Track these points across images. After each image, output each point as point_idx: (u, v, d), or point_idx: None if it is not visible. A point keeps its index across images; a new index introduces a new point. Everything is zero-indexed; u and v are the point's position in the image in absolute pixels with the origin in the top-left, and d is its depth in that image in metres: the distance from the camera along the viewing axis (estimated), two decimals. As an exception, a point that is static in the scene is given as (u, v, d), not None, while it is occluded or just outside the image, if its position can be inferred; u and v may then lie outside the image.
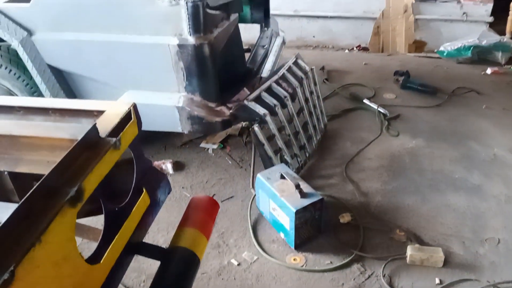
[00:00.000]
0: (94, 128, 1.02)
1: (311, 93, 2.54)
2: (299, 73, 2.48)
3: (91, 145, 1.00)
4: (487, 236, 1.95)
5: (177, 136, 2.63)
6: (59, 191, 0.87)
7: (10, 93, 2.21)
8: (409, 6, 3.94)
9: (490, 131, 2.74)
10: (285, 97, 2.24)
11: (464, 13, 3.96)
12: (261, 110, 2.09)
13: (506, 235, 1.96)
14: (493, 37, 3.73)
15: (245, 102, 2.08)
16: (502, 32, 3.92)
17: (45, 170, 0.99)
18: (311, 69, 2.60)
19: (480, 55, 3.76)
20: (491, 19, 3.96)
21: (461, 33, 3.95)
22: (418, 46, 4.10)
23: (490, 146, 2.60)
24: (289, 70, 2.44)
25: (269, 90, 2.23)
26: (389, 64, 3.77)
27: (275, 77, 2.31)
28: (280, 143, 2.21)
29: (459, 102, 3.13)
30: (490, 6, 3.92)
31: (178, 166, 2.41)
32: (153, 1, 1.79)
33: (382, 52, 4.10)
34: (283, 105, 2.22)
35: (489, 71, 3.59)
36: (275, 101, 2.17)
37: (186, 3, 1.76)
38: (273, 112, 2.15)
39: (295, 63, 2.53)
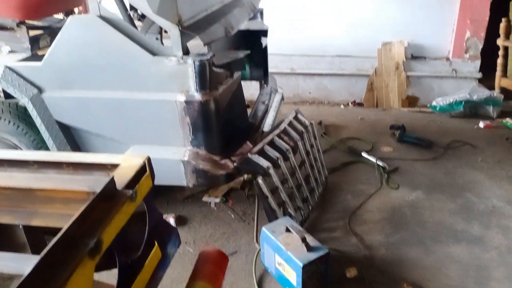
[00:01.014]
0: (112, 181, 1.04)
1: (312, 146, 2.60)
2: (300, 127, 2.55)
3: (108, 197, 1.02)
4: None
5: (179, 190, 2.63)
6: (79, 242, 0.87)
7: (16, 148, 2.23)
8: (400, 63, 4.13)
9: (487, 183, 2.78)
10: (287, 150, 2.28)
11: (453, 69, 4.15)
12: (264, 163, 2.12)
13: (509, 285, 1.94)
14: (483, 92, 3.88)
15: (249, 155, 2.12)
16: (491, 87, 4.08)
17: (59, 223, 1.00)
18: (311, 124, 2.67)
19: (472, 110, 3.89)
20: (479, 75, 4.15)
21: (452, 89, 4.11)
22: (411, 101, 4.24)
23: (488, 198, 2.63)
24: (290, 124, 2.51)
25: (271, 144, 2.28)
26: (384, 118, 3.88)
27: (277, 131, 2.37)
28: (283, 195, 2.22)
29: (454, 155, 3.19)
30: (478, 63, 4.12)
31: (181, 221, 2.39)
32: (161, 60, 1.87)
33: (377, 107, 4.23)
34: (286, 158, 2.26)
35: (481, 124, 3.69)
36: (277, 154, 2.21)
37: (194, 62, 1.84)
38: (276, 165, 2.18)
39: (296, 117, 2.61)
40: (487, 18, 3.97)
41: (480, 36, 4.05)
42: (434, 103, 3.99)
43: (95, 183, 1.04)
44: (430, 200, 2.62)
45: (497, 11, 3.93)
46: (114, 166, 1.18)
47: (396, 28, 4.13)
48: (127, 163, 1.17)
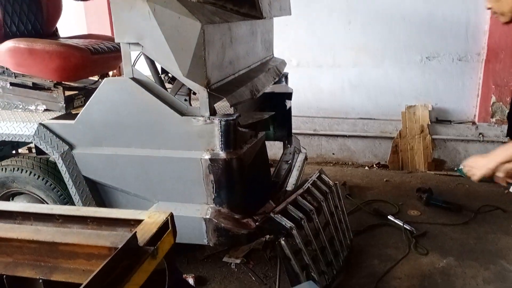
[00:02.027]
0: (134, 237, 1.04)
1: (336, 207, 2.55)
2: (323, 187, 2.52)
3: (129, 254, 1.01)
4: None
5: (199, 249, 2.59)
6: (99, 300, 0.86)
7: (43, 203, 2.28)
8: (425, 127, 4.12)
9: (524, 252, 2.63)
10: (311, 210, 2.24)
11: (480, 133, 4.10)
12: (287, 223, 2.09)
13: None
14: (511, 156, 3.79)
15: (271, 214, 2.09)
16: (520, 152, 3.99)
17: (80, 279, 1.00)
18: (335, 184, 2.64)
19: (501, 174, 3.78)
20: (507, 139, 4.07)
21: (478, 152, 3.99)
22: (437, 164, 4.17)
23: (526, 267, 2.48)
24: (314, 184, 2.48)
25: (294, 204, 2.25)
26: (410, 181, 3.81)
27: (300, 191, 2.35)
28: (306, 258, 2.15)
29: (485, 220, 3.07)
30: (505, 127, 4.06)
31: (200, 281, 2.33)
32: (189, 120, 1.93)
33: (402, 169, 4.17)
34: (309, 219, 2.22)
35: (512, 189, 3.57)
36: (301, 215, 2.18)
37: (220, 121, 1.89)
38: (299, 226, 2.14)
39: (319, 177, 2.59)
40: (512, 83, 3.98)
41: (505, 101, 4.03)
42: (461, 167, 3.89)
43: (118, 239, 1.04)
44: (462, 267, 2.49)
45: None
46: (138, 222, 1.18)
47: (419, 92, 4.17)
48: (150, 220, 1.17)
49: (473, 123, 4.13)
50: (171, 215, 1.20)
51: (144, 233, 1.10)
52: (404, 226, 2.89)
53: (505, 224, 2.99)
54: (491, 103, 4.06)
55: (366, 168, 4.22)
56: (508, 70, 3.92)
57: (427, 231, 2.89)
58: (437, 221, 3.05)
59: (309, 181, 2.48)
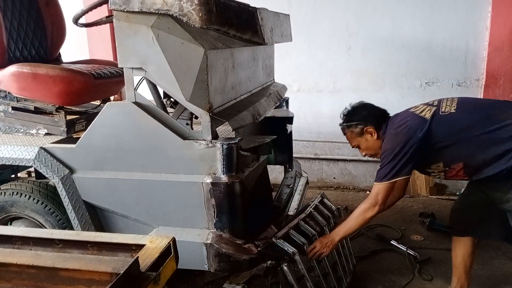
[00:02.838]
0: (136, 262, 1.02)
1: (338, 232, 2.51)
2: (326, 212, 2.50)
3: (131, 279, 0.99)
4: None
5: (199, 275, 2.54)
6: (98, 328, 0.83)
7: (41, 227, 2.25)
8: (425, 150, 4.12)
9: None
10: (314, 235, 2.21)
11: (480, 157, 4.10)
12: (290, 248, 2.05)
13: None
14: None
15: (274, 239, 2.06)
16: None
17: (79, 306, 0.96)
18: (337, 208, 2.62)
19: (503, 198, 3.76)
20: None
21: (480, 176, 4.02)
22: (439, 189, 4.14)
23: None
24: (316, 208, 2.46)
25: (297, 228, 2.22)
26: (412, 205, 3.78)
27: (302, 215, 2.32)
28: (309, 284, 2.11)
29: (489, 245, 3.02)
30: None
31: (202, 309, 2.28)
32: (191, 143, 1.93)
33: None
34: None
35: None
36: (303, 240, 2.15)
37: (222, 145, 1.89)
38: (302, 251, 2.11)
39: (321, 201, 2.57)
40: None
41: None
42: (463, 191, 3.88)
43: (119, 264, 1.02)
44: (468, 294, 2.43)
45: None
46: (139, 247, 1.16)
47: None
48: (152, 244, 1.15)
49: (474, 147, 4.13)
50: (174, 240, 1.18)
51: (146, 258, 1.08)
52: (408, 251, 2.85)
53: (510, 249, 2.95)
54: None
55: (368, 192, 4.19)
56: (507, 95, 3.95)
57: (431, 256, 2.85)
58: (440, 246, 3.01)
59: (311, 205, 2.46)
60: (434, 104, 2.16)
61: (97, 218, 2.14)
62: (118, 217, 2.13)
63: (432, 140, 2.05)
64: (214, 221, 1.96)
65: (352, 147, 2.42)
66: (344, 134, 2.39)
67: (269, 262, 2.61)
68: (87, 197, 2.08)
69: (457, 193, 3.96)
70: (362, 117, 2.28)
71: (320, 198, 2.59)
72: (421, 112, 2.13)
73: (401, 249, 2.90)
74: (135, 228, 2.08)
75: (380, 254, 2.90)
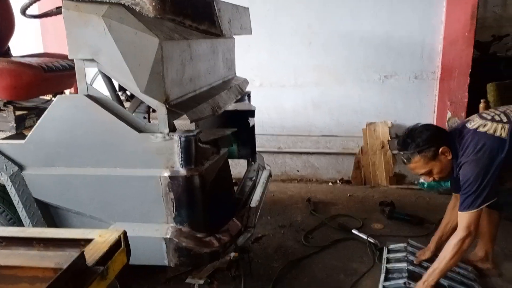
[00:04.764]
0: (81, 256, 0.98)
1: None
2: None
3: (77, 275, 0.95)
4: None
5: (161, 271, 2.50)
6: (38, 325, 0.79)
7: (-9, 229, 2.14)
8: (386, 143, 4.22)
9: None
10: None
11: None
12: None
13: None
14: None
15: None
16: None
17: (22, 305, 0.92)
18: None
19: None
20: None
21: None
22: (398, 178, 4.26)
23: (485, 277, 2.53)
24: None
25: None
26: (373, 195, 3.87)
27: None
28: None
29: (446, 232, 3.13)
30: (461, 141, 4.22)
31: (162, 305, 2.24)
32: (147, 137, 1.88)
33: (365, 184, 4.24)
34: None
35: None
36: None
37: (179, 137, 1.85)
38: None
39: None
40: (466, 100, 4.15)
41: (460, 116, 4.20)
42: (421, 180, 4.00)
43: (64, 259, 0.98)
44: (425, 279, 2.50)
45: (476, 93, 4.11)
46: (88, 242, 1.12)
47: (379, 110, 4.29)
48: (101, 239, 1.11)
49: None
50: (124, 233, 1.14)
51: (94, 253, 1.04)
52: (368, 239, 2.91)
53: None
54: (447, 118, 4.22)
55: (330, 184, 4.26)
56: (461, 87, 4.10)
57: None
58: (400, 233, 3.09)
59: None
60: (504, 121, 2.09)
61: (51, 216, 2.05)
62: (73, 215, 2.05)
63: None
64: (173, 216, 1.92)
65: (420, 174, 2.22)
66: (408, 162, 2.16)
67: (232, 255, 2.60)
68: (39, 195, 1.99)
69: (415, 182, 4.09)
70: (432, 139, 2.11)
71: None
72: (495, 131, 2.05)
73: (362, 237, 2.96)
74: (91, 225, 2.00)
75: (342, 243, 2.94)
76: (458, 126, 2.27)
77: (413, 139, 2.11)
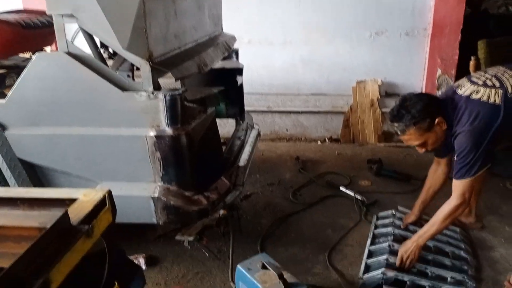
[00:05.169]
0: (65, 215, 0.97)
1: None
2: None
3: (61, 234, 0.95)
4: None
5: (150, 229, 2.53)
6: (24, 283, 0.80)
7: (-23, 190, 2.12)
8: (375, 101, 4.21)
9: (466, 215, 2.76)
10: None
11: (425, 105, 4.25)
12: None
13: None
14: (455, 127, 3.96)
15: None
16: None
17: (8, 263, 0.92)
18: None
19: (446, 143, 3.95)
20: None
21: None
22: (387, 136, 4.28)
23: (468, 229, 2.61)
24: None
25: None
26: (361, 153, 3.90)
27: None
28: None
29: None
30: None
31: (152, 261, 2.28)
32: (131, 95, 1.84)
33: (353, 142, 4.26)
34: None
35: (456, 158, 3.73)
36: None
37: (165, 96, 1.82)
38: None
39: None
40: (457, 57, 4.11)
41: (450, 74, 4.18)
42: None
43: (48, 218, 0.97)
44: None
45: (466, 50, 4.07)
46: (73, 201, 1.11)
47: (369, 68, 4.24)
48: (86, 198, 1.10)
49: (420, 95, 4.27)
50: (109, 192, 1.13)
51: (78, 212, 1.04)
52: (356, 196, 2.96)
53: (450, 191, 3.12)
54: (437, 76, 4.19)
55: (319, 142, 4.27)
56: (452, 44, 4.05)
57: (377, 200, 2.97)
58: (387, 190, 3.15)
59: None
60: (497, 86, 2.01)
61: (37, 176, 2.04)
62: (60, 175, 2.04)
63: (508, 126, 1.97)
64: (161, 175, 1.93)
65: (415, 145, 2.13)
66: (403, 134, 2.06)
67: (221, 212, 2.64)
68: (23, 155, 1.96)
69: (404, 140, 4.12)
70: (427, 110, 2.01)
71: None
72: (488, 98, 1.98)
73: (350, 194, 3.01)
74: (79, 185, 2.00)
75: (329, 200, 2.99)
76: (448, 92, 2.20)
77: (408, 110, 2.00)
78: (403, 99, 2.08)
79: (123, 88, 1.85)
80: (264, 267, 1.83)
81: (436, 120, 2.01)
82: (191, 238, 2.45)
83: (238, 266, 1.89)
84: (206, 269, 2.23)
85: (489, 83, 2.05)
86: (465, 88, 2.08)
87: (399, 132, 2.07)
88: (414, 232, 2.39)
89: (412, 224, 2.48)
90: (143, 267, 2.21)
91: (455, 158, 2.04)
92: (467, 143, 1.96)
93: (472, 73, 2.18)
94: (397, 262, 2.10)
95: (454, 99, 2.07)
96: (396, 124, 2.06)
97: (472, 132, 1.96)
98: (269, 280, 1.77)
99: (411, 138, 2.07)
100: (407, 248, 2.09)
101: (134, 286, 1.17)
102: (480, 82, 2.07)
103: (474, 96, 2.02)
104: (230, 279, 2.10)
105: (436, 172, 2.47)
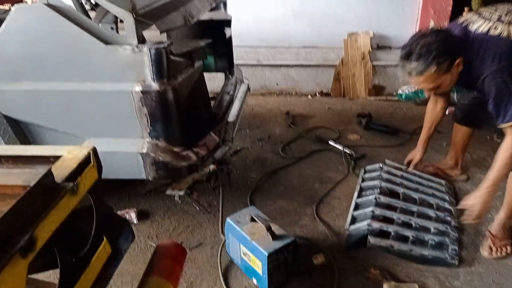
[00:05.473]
0: (49, 173, 0.97)
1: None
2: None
3: (46, 191, 0.94)
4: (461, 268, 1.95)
5: (141, 183, 2.55)
6: (8, 240, 0.80)
7: (-37, 147, 2.10)
8: (366, 53, 4.14)
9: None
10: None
11: (417, 58, 4.20)
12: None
13: (481, 268, 1.97)
14: (446, 79, 3.95)
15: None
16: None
17: (-8, 222, 0.92)
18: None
19: (436, 96, 3.95)
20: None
21: (416, 77, 4.16)
22: (377, 90, 4.27)
23: (453, 181, 2.67)
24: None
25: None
26: (351, 107, 3.89)
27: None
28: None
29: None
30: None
31: (143, 215, 2.32)
32: (115, 49, 1.79)
33: (344, 96, 4.24)
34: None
35: (446, 111, 3.75)
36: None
37: (149, 49, 1.76)
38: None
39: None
40: (450, 8, 4.01)
41: (443, 25, 4.10)
42: (399, 91, 4.03)
43: (31, 176, 0.96)
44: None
45: (459, 1, 3.98)
46: (57, 158, 1.10)
47: (361, 20, 4.15)
48: (70, 155, 1.09)
49: (412, 48, 4.21)
50: (94, 149, 1.12)
51: (63, 169, 1.03)
52: (344, 150, 2.99)
53: (438, 144, 3.16)
54: (430, 28, 4.11)
55: (309, 97, 4.25)
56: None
57: (366, 153, 3.01)
58: (375, 143, 3.18)
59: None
60: (502, 20, 1.86)
61: (22, 133, 2.01)
62: (46, 131, 2.01)
63: None
64: (149, 130, 1.91)
65: (427, 89, 1.97)
66: (420, 75, 1.86)
67: (211, 167, 2.66)
68: (7, 111, 1.92)
69: (394, 93, 4.11)
70: (449, 49, 1.82)
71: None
72: (508, 34, 1.81)
73: (338, 148, 3.03)
74: (66, 141, 1.98)
75: (318, 154, 3.01)
76: (456, 29, 1.95)
77: (429, 48, 1.79)
78: (422, 35, 1.85)
79: (106, 41, 1.79)
80: (252, 220, 1.87)
81: (457, 61, 1.83)
82: (181, 193, 2.49)
83: (228, 219, 1.93)
84: (197, 222, 2.28)
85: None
86: (478, 24, 1.89)
87: (414, 73, 1.86)
88: (400, 185, 2.44)
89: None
90: (135, 221, 2.25)
91: (490, 101, 1.85)
92: (502, 82, 1.79)
93: (480, 9, 2.02)
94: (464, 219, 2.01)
95: (468, 36, 1.88)
96: (412, 64, 1.84)
97: (500, 71, 1.79)
98: (257, 232, 1.82)
99: (427, 80, 1.87)
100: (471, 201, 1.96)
101: (122, 241, 1.19)
102: (495, 17, 1.88)
103: (494, 32, 1.83)
104: (220, 232, 2.15)
105: (435, 108, 2.43)
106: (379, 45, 4.25)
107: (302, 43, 4.25)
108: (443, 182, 2.61)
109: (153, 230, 2.21)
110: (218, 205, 2.32)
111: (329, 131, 3.35)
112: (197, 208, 2.39)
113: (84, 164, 1.07)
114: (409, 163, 2.67)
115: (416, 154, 2.63)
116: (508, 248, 2.05)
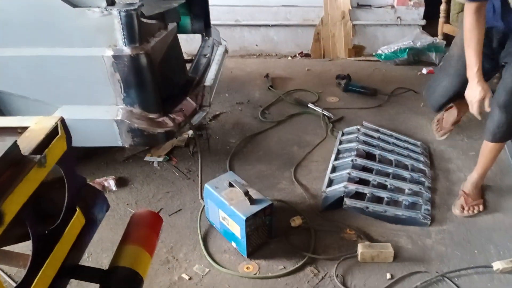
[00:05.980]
0: (14, 145, 0.94)
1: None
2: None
3: (12, 164, 0.92)
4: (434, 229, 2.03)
5: (118, 151, 2.53)
6: (-26, 215, 0.79)
7: None
8: (346, 13, 4.08)
9: (429, 128, 2.86)
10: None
11: (398, 17, 4.16)
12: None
13: (452, 227, 2.05)
14: (426, 39, 3.94)
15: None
16: (434, 34, 4.14)
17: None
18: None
19: (416, 57, 3.96)
20: (423, 22, 4.19)
21: (396, 37, 4.14)
22: (357, 50, 4.24)
23: (430, 142, 2.72)
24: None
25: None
26: (331, 69, 3.87)
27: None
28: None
29: (398, 102, 3.26)
30: (422, 10, 4.14)
31: (122, 182, 2.31)
32: (83, 12, 1.71)
33: (324, 57, 4.21)
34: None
35: (424, 71, 3.77)
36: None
37: (119, 12, 1.70)
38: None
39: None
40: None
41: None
42: (379, 52, 4.01)
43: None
44: (373, 148, 2.66)
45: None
46: (25, 129, 1.07)
47: (343, -24, 4.05)
48: (37, 126, 1.06)
49: (392, 6, 4.16)
50: (62, 119, 1.09)
51: (30, 141, 1.00)
52: (323, 112, 2.99)
53: (415, 104, 3.20)
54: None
55: (289, 58, 4.20)
56: None
57: (344, 116, 3.02)
58: (353, 105, 3.19)
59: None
60: None
61: (-8, 101, 1.95)
62: (17, 99, 1.95)
63: None
64: (122, 97, 1.87)
65: None
66: None
67: (190, 132, 2.65)
68: (-27, 79, 1.86)
69: (373, 54, 4.09)
70: None
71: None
72: None
73: (317, 111, 3.04)
74: (38, 109, 1.93)
75: (297, 118, 3.02)
76: None
77: None
78: None
79: (73, 4, 1.71)
80: (231, 185, 1.89)
81: None
82: (160, 159, 2.48)
83: (206, 185, 1.94)
84: (176, 188, 2.28)
85: None
86: None
87: None
88: (377, 146, 2.48)
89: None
90: (114, 188, 2.25)
91: None
92: None
93: None
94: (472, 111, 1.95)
95: None
96: None
97: None
98: (235, 197, 1.84)
99: None
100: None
101: (97, 210, 1.18)
102: None
103: None
104: (199, 197, 2.17)
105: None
106: (359, 3, 4.19)
107: (281, 1, 4.15)
108: (419, 143, 2.66)
109: (132, 197, 2.22)
110: (197, 171, 2.32)
111: (308, 94, 3.34)
112: (176, 174, 2.39)
113: (52, 135, 1.05)
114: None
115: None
116: (480, 206, 2.13)
